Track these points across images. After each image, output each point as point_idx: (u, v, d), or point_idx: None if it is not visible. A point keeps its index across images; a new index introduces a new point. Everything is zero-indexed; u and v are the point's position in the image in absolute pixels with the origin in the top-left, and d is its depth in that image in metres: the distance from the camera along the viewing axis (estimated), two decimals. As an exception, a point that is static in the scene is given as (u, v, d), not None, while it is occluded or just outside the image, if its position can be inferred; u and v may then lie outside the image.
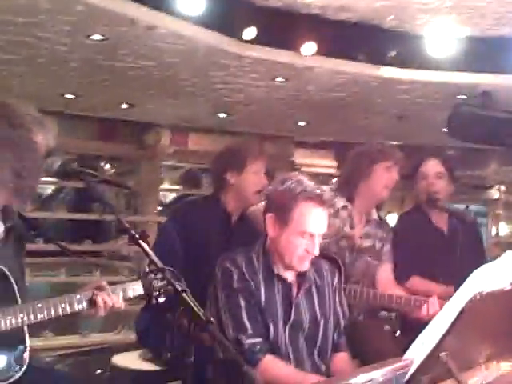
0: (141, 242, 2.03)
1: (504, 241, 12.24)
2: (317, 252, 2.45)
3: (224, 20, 3.85)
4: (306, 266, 2.49)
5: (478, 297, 1.84)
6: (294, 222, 2.42)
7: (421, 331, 3.05)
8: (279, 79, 4.70)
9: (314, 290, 2.58)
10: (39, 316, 2.01)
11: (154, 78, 4.83)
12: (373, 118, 6.01)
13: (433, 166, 3.60)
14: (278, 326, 2.45)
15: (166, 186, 7.98)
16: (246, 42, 3.99)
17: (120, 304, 2.23)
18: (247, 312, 2.42)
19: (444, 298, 3.12)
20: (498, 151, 9.16)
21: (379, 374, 1.93)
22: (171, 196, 8.15)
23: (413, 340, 3.13)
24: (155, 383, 3.00)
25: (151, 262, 1.95)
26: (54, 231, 6.72)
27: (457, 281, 3.31)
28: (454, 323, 1.84)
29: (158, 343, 3.15)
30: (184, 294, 1.72)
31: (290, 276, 2.53)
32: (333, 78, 4.60)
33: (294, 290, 2.53)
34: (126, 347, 3.68)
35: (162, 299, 2.27)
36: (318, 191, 2.47)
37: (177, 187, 7.91)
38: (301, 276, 2.54)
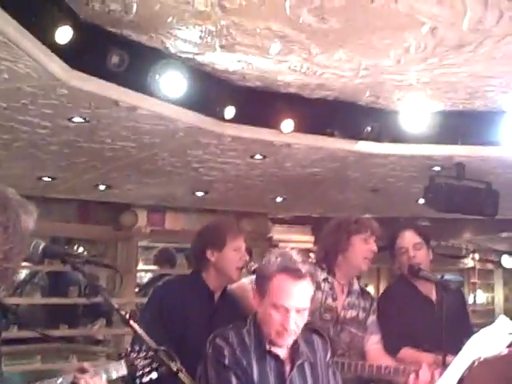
0: (131, 322, 1.99)
1: (481, 308, 12.31)
2: (292, 327, 2.39)
3: (204, 100, 3.92)
4: (287, 341, 2.45)
5: (476, 364, 1.85)
6: (268, 294, 2.41)
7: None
8: (257, 156, 4.76)
9: (306, 366, 2.54)
10: None
11: (133, 158, 4.86)
12: (348, 192, 6.09)
13: (410, 238, 3.64)
14: None
15: (140, 266, 7.88)
16: (226, 121, 4.05)
17: None
18: (243, 381, 2.36)
19: (434, 367, 3.12)
20: (471, 221, 9.30)
21: None
22: (147, 277, 8.05)
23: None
24: None
25: (143, 342, 1.90)
26: (28, 317, 6.54)
27: (445, 350, 3.34)
28: None
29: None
30: (180, 374, 1.67)
31: (282, 352, 2.49)
32: (310, 154, 4.68)
33: (287, 366, 2.49)
34: None
35: (146, 379, 2.22)
36: (297, 265, 2.42)
37: (152, 267, 7.82)
38: (293, 352, 2.51)
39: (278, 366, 2.46)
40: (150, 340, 1.86)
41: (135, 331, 1.94)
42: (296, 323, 2.41)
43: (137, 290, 7.12)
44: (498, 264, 13.72)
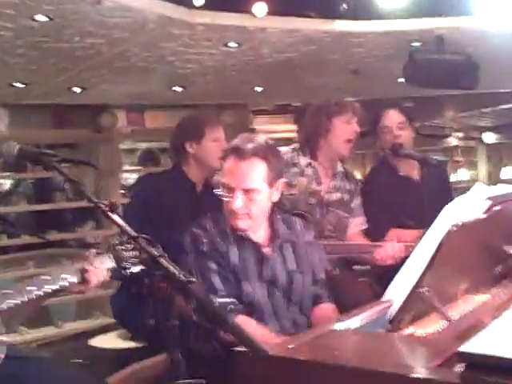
0: (110, 213, 1.97)
1: (465, 185, 12.50)
2: (238, 207, 2.39)
3: (172, -12, 3.75)
4: (242, 226, 2.45)
5: (455, 229, 1.87)
6: (221, 177, 2.46)
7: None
8: (232, 44, 4.62)
9: (288, 247, 2.57)
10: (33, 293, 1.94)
11: (104, 56, 4.69)
12: (327, 76, 5.97)
13: (394, 117, 3.62)
14: (253, 283, 2.44)
15: (125, 167, 7.86)
16: (196, 8, 3.90)
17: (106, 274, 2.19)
18: (218, 273, 2.41)
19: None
20: (454, 99, 9.27)
21: (361, 317, 1.97)
22: (132, 178, 8.05)
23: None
24: (136, 360, 2.97)
25: (123, 231, 1.89)
26: (17, 226, 6.58)
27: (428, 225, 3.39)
28: (433, 258, 1.86)
29: (137, 321, 3.14)
30: (161, 259, 1.67)
31: (259, 235, 2.52)
32: (285, 37, 4.54)
33: (266, 248, 2.52)
34: (104, 331, 3.66)
35: (135, 269, 2.24)
36: (243, 145, 2.41)
37: (137, 168, 7.81)
38: (273, 234, 2.53)
39: (255, 248, 2.49)
40: (130, 229, 1.85)
41: (114, 221, 1.92)
42: (246, 205, 2.40)
43: (123, 191, 7.13)
44: (481, 141, 13.86)
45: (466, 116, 11.62)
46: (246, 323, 2.31)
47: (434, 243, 1.91)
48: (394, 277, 3.24)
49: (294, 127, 8.37)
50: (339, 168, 3.55)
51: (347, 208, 3.51)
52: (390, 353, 1.63)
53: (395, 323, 1.91)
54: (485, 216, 2.09)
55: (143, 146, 8.10)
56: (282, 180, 2.56)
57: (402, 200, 3.53)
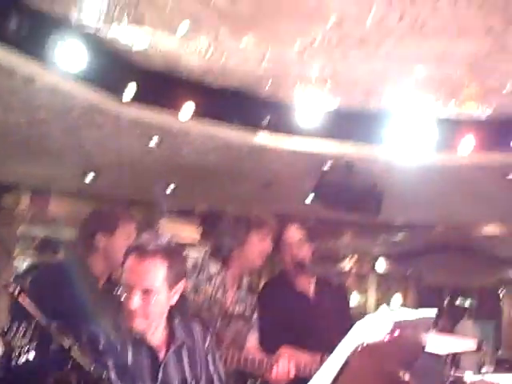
0: (20, 297, 1.89)
1: (354, 311, 12.78)
2: (133, 306, 2.26)
3: (104, 78, 3.82)
4: (138, 325, 2.31)
5: (359, 349, 1.90)
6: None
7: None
8: (154, 140, 4.70)
9: (183, 351, 2.51)
10: None
11: (22, 135, 4.65)
12: (241, 185, 6.14)
13: (294, 234, 3.70)
14: None
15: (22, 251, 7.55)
16: (125, 102, 3.97)
17: None
18: (116, 372, 2.32)
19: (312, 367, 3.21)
20: (352, 224, 9.68)
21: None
22: (24, 265, 7.72)
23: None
24: None
25: (33, 317, 1.81)
26: None
27: (328, 346, 3.43)
28: (336, 377, 1.87)
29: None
30: (72, 351, 1.61)
31: (155, 338, 2.46)
32: (207, 142, 4.68)
33: (161, 353, 2.46)
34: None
35: (22, 359, 2.12)
36: (142, 243, 2.31)
37: (33, 253, 7.53)
38: (169, 336, 2.49)
39: (150, 352, 2.43)
40: (41, 316, 1.77)
41: (25, 306, 1.84)
42: (143, 306, 2.30)
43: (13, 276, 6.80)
44: (372, 268, 14.36)
45: (361, 243, 12.12)
46: None
47: (338, 362, 1.92)
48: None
49: (196, 232, 8.41)
50: (244, 280, 3.56)
51: (248, 322, 3.50)
52: None
53: None
54: (387, 339, 2.13)
55: (41, 232, 7.85)
56: (182, 282, 2.52)
57: (296, 316, 3.56)
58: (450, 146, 4.70)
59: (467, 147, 4.60)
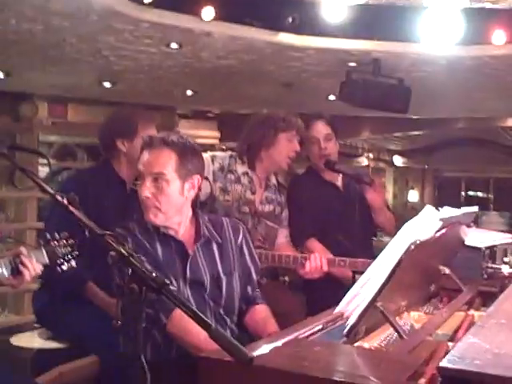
0: (70, 207, 1.87)
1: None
2: (144, 193, 2.36)
3: (120, -19, 3.66)
4: (153, 219, 2.41)
5: (413, 247, 1.92)
6: None
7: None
8: (173, 45, 4.55)
9: (214, 247, 2.54)
10: None
11: (38, 43, 4.51)
12: (261, 86, 6.01)
13: (321, 129, 3.65)
14: (179, 282, 2.40)
15: (43, 160, 7.54)
16: (144, 4, 3.81)
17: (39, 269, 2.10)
18: (150, 265, 2.35)
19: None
20: (370, 120, 9.57)
21: (316, 326, 1.98)
22: (44, 171, 7.75)
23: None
24: (59, 361, 2.85)
25: (85, 226, 1.79)
26: None
27: (357, 238, 3.47)
28: (391, 274, 1.89)
29: (59, 321, 3.03)
30: (132, 259, 1.60)
31: (184, 235, 2.49)
32: (229, 44, 4.53)
33: (189, 248, 2.48)
34: (11, 330, 3.48)
35: (65, 267, 2.15)
36: (155, 136, 2.44)
37: (52, 162, 7.53)
38: (196, 234, 2.50)
39: (179, 246, 2.45)
40: (94, 225, 1.76)
41: (76, 216, 1.82)
42: (155, 195, 2.38)
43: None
44: (390, 163, 14.38)
45: (378, 138, 12.05)
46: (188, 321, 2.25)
47: (393, 259, 1.93)
48: (316, 290, 3.33)
49: (217, 134, 8.37)
50: (273, 180, 3.56)
51: (277, 220, 3.53)
52: (359, 365, 1.64)
53: (351, 335, 1.92)
54: (437, 236, 2.15)
55: (58, 139, 7.83)
56: (198, 178, 2.51)
57: (326, 207, 3.58)
58: (479, 38, 4.54)
59: (498, 39, 4.43)
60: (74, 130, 7.01)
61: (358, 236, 3.54)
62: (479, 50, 4.59)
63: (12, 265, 2.04)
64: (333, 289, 2.80)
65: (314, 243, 3.54)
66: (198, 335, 2.12)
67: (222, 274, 2.51)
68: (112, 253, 1.61)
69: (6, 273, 2.03)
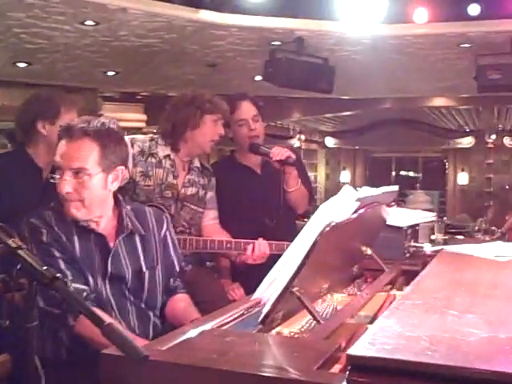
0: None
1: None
2: (64, 189, 2.21)
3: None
4: (74, 214, 2.26)
5: (327, 229, 1.85)
6: None
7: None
8: (89, 22, 4.34)
9: (137, 239, 2.42)
10: None
11: None
12: (185, 67, 5.85)
13: (249, 109, 3.56)
14: (98, 278, 2.28)
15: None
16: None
17: None
18: (64, 261, 2.21)
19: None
20: (300, 101, 9.55)
21: (230, 316, 1.90)
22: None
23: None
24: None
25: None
26: None
27: (283, 220, 3.40)
28: (306, 257, 1.82)
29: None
30: (20, 251, 1.46)
31: (106, 228, 2.35)
32: (147, 21, 4.35)
33: (111, 241, 2.36)
34: None
35: None
36: (74, 125, 2.22)
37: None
38: (119, 225, 2.38)
39: (100, 240, 2.33)
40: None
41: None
42: (77, 190, 2.22)
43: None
44: (322, 144, 14.47)
45: (310, 120, 12.07)
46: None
47: (307, 242, 1.85)
48: (245, 275, 3.25)
49: (143, 117, 8.16)
50: (196, 163, 3.46)
51: (201, 203, 3.42)
52: (269, 355, 1.55)
53: (267, 323, 1.83)
54: (354, 217, 2.08)
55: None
56: (122, 169, 2.38)
57: (243, 190, 3.51)
58: (402, 17, 4.53)
59: (421, 17, 4.44)
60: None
61: (284, 218, 3.47)
62: (402, 29, 4.59)
63: None
64: (261, 273, 2.74)
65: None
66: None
67: (144, 268, 2.40)
68: (-1, 245, 1.47)
69: None
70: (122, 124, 7.39)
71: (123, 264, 2.35)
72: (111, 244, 2.34)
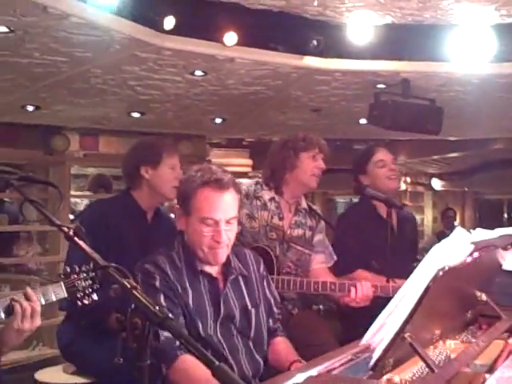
0: (76, 238, 1.81)
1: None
2: (224, 239, 2.33)
3: (142, 9, 3.64)
4: (222, 258, 2.39)
5: (441, 273, 1.79)
6: (194, 210, 2.33)
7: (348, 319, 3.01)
8: (198, 73, 4.52)
9: (241, 280, 2.50)
10: None
11: (63, 75, 4.53)
12: (290, 112, 5.95)
13: (387, 153, 3.66)
14: (208, 323, 2.33)
15: (74, 193, 7.60)
16: (166, 32, 3.79)
17: (38, 307, 2.04)
18: (167, 308, 2.27)
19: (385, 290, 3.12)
20: (406, 144, 9.41)
21: (339, 361, 1.86)
22: (83, 204, 7.82)
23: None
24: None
25: (91, 258, 1.73)
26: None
27: (394, 271, 3.33)
28: (418, 302, 1.77)
29: (84, 355, 2.96)
30: (135, 291, 1.52)
31: (214, 270, 2.43)
32: (253, 69, 4.47)
33: (221, 283, 2.43)
34: (44, 364, 3.44)
35: (87, 301, 2.10)
36: (218, 175, 2.35)
37: (86, 193, 7.56)
38: (225, 268, 2.45)
39: (211, 284, 2.40)
40: (99, 257, 1.69)
41: (81, 247, 1.75)
42: (227, 235, 2.35)
43: (72, 217, 6.87)
44: (429, 186, 14.12)
45: (415, 162, 11.85)
46: (191, 362, 2.11)
47: (420, 286, 1.81)
48: (354, 318, 3.20)
49: (249, 162, 8.32)
50: (303, 204, 3.48)
51: (308, 244, 3.43)
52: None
53: (378, 369, 1.79)
54: (468, 261, 2.02)
55: (94, 171, 7.88)
56: (242, 211, 2.52)
57: (376, 241, 3.47)
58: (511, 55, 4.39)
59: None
60: (106, 161, 7.02)
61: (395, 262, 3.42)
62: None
63: (9, 305, 1.99)
64: (369, 316, 2.69)
65: (364, 272, 3.46)
66: (199, 381, 2.05)
67: (250, 307, 2.47)
68: (114, 286, 1.54)
69: (2, 315, 1.98)
70: (229, 169, 7.59)
71: (232, 305, 2.41)
72: (221, 286, 2.41)
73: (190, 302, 2.33)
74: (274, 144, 3.55)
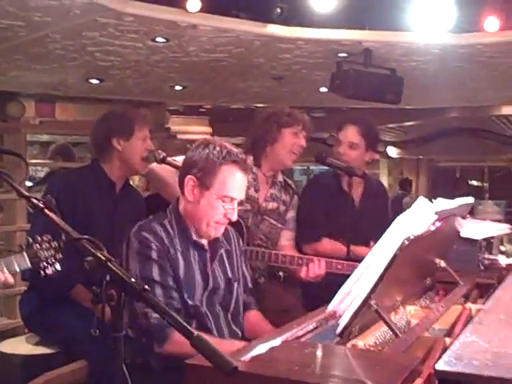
0: (46, 210, 1.80)
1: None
2: (235, 218, 2.40)
3: (103, -27, 3.56)
4: (220, 233, 2.45)
5: (407, 242, 1.85)
6: (216, 186, 2.34)
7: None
8: (160, 39, 4.45)
9: (224, 254, 2.54)
10: None
11: (21, 40, 4.40)
12: (251, 80, 5.92)
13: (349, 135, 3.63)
14: (196, 294, 2.37)
15: (34, 161, 7.45)
16: (128, -1, 3.72)
17: (11, 279, 2.07)
18: (161, 285, 2.30)
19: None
20: (363, 112, 9.46)
21: (306, 328, 1.92)
22: (44, 171, 7.69)
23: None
24: (49, 367, 2.78)
25: (63, 230, 1.72)
26: None
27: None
28: (385, 270, 1.83)
29: (48, 324, 2.95)
30: (110, 263, 1.52)
31: (205, 243, 2.47)
32: (216, 36, 4.42)
33: (209, 256, 2.47)
34: (3, 335, 3.42)
35: (50, 271, 2.10)
36: (242, 156, 2.40)
37: (47, 162, 7.41)
38: (214, 242, 2.49)
39: (201, 256, 2.44)
40: (71, 229, 1.68)
41: (52, 219, 1.75)
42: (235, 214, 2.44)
43: (30, 184, 6.75)
44: (385, 154, 14.29)
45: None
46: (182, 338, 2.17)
47: (386, 255, 1.86)
48: (317, 286, 3.27)
49: (208, 129, 8.28)
50: (279, 178, 3.51)
51: (281, 218, 3.47)
52: (352, 368, 1.56)
53: (345, 335, 1.84)
54: (432, 230, 2.08)
55: (55, 138, 7.72)
56: None
57: (339, 215, 3.50)
58: (472, 26, 4.45)
59: (491, 26, 4.35)
60: (63, 128, 6.90)
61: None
62: (472, 38, 4.51)
63: None
64: (328, 283, 2.75)
65: (327, 244, 3.50)
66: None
67: (232, 280, 2.53)
68: (89, 258, 1.54)
69: None
70: (189, 136, 7.57)
71: (218, 277, 2.46)
72: (209, 258, 2.44)
73: (182, 273, 2.36)
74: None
